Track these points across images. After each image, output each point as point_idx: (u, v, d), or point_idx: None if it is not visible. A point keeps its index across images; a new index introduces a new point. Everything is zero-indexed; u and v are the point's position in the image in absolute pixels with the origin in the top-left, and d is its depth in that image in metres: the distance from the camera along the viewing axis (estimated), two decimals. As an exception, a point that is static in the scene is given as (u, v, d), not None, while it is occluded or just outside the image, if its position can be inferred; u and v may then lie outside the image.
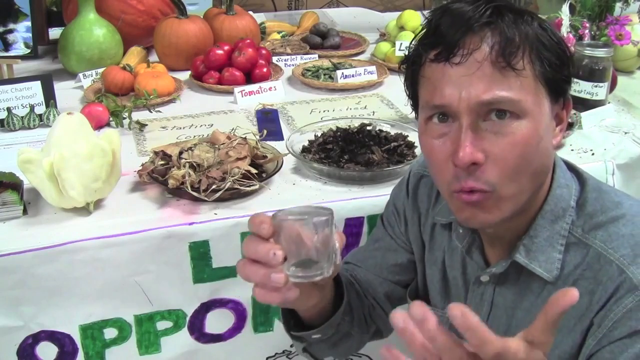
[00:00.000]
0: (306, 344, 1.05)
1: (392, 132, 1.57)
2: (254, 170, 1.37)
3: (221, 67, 1.96)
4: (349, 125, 1.58)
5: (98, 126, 1.66)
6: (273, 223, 0.83)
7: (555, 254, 0.93)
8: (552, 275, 0.93)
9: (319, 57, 2.19)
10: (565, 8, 1.90)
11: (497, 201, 0.88)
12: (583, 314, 0.91)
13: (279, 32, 2.44)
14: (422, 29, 0.93)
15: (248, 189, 1.34)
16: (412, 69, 0.94)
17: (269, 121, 1.74)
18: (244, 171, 1.35)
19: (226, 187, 1.31)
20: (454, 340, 0.64)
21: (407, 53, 0.95)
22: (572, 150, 1.56)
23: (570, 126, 1.61)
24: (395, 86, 2.00)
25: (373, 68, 2.01)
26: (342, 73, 1.97)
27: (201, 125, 1.72)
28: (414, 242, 1.16)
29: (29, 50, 1.95)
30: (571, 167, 1.00)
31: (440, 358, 0.65)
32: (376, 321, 1.17)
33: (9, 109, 1.66)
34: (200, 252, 1.30)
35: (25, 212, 1.30)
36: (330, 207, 0.85)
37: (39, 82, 1.69)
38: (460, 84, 0.85)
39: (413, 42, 0.93)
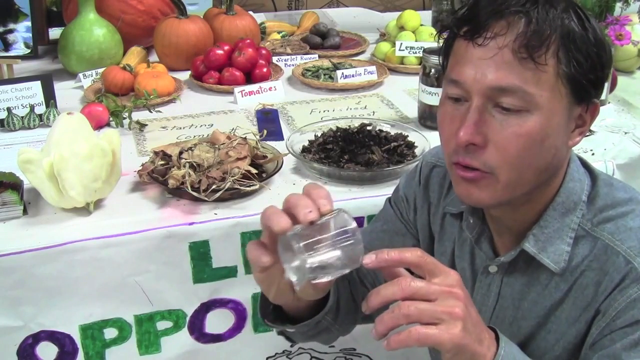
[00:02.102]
0: (281, 330, 1.05)
1: (392, 132, 1.57)
2: (254, 170, 1.37)
3: (221, 67, 1.96)
4: (349, 125, 1.58)
5: (98, 126, 1.66)
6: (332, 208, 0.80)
7: (563, 246, 0.93)
8: (559, 267, 0.93)
9: (319, 57, 2.19)
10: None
11: (493, 183, 0.89)
12: (588, 304, 0.92)
13: (279, 32, 2.44)
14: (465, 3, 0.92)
15: (248, 189, 1.34)
16: (446, 39, 0.94)
17: (269, 121, 1.74)
18: (244, 171, 1.35)
19: (226, 187, 1.31)
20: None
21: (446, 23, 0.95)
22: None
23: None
24: (395, 86, 2.00)
25: (373, 68, 2.01)
26: (342, 73, 1.96)
27: (201, 125, 1.72)
28: (421, 231, 1.16)
29: (29, 50, 1.95)
30: (584, 164, 1.00)
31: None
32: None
33: (9, 109, 1.66)
34: (200, 252, 1.30)
35: (25, 212, 1.30)
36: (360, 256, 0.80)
37: (39, 82, 1.69)
38: (477, 65, 0.86)
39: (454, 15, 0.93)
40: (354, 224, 0.79)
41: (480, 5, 0.87)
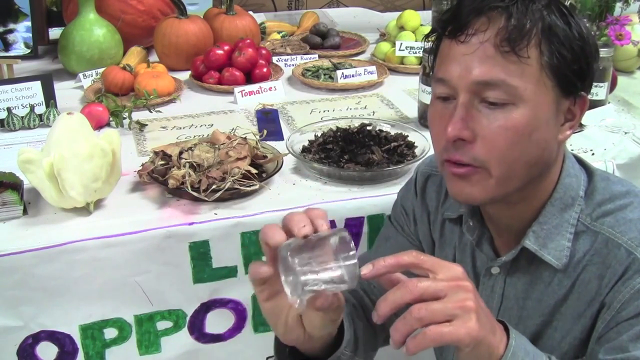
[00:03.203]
0: None
1: (392, 132, 1.57)
2: (254, 170, 1.37)
3: (221, 67, 1.96)
4: (349, 125, 1.58)
5: (98, 126, 1.66)
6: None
7: (564, 242, 0.94)
8: (561, 263, 0.94)
9: (319, 57, 2.19)
10: (566, 8, 1.90)
11: (485, 178, 0.89)
12: (593, 298, 0.92)
13: (279, 32, 2.44)
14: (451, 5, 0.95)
15: (248, 189, 1.34)
16: (433, 41, 0.95)
17: (269, 121, 1.74)
18: (244, 171, 1.35)
19: (226, 187, 1.31)
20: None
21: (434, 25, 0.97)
22: (572, 150, 1.56)
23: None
24: (395, 86, 2.00)
25: (373, 68, 2.01)
26: (342, 73, 1.96)
27: (201, 125, 1.72)
28: (423, 241, 1.16)
29: (29, 50, 1.95)
30: (579, 160, 1.01)
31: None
32: (387, 328, 1.16)
33: (9, 109, 1.66)
34: (200, 252, 1.30)
35: (25, 212, 1.30)
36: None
37: (39, 82, 1.69)
38: (461, 61, 0.87)
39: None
40: (351, 244, 0.79)
41: (462, 5, 0.89)
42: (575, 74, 0.88)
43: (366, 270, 0.78)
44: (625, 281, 0.89)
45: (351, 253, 0.78)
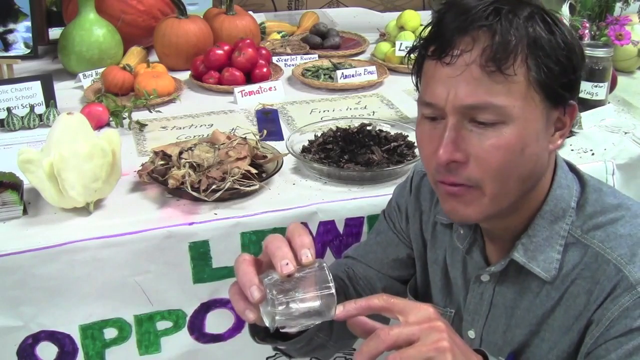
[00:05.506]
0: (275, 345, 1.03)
1: (392, 132, 1.57)
2: (254, 170, 1.37)
3: (221, 67, 1.96)
4: (349, 125, 1.58)
5: (98, 126, 1.66)
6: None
7: (553, 254, 0.93)
8: (549, 275, 0.93)
9: (319, 57, 2.19)
10: (565, 8, 1.90)
11: (479, 197, 0.89)
12: (581, 313, 0.92)
13: (279, 32, 2.44)
14: (429, 22, 0.92)
15: (248, 189, 1.34)
16: (417, 60, 0.93)
17: (269, 121, 1.74)
18: (244, 171, 1.35)
19: (226, 187, 1.31)
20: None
21: (414, 43, 0.94)
22: (572, 150, 1.56)
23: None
24: (395, 86, 2.00)
25: (373, 68, 2.01)
26: (342, 73, 1.97)
27: (201, 125, 1.72)
28: (414, 240, 1.16)
29: (29, 50, 1.95)
30: (572, 168, 0.99)
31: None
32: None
33: (9, 109, 1.66)
34: (200, 252, 1.30)
35: (25, 212, 1.30)
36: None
37: (39, 82, 1.69)
38: (448, 84, 0.86)
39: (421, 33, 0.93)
40: (331, 281, 0.79)
41: (444, 23, 0.87)
42: (563, 87, 0.87)
43: (337, 311, 0.79)
44: (614, 299, 0.88)
45: (329, 285, 0.78)
